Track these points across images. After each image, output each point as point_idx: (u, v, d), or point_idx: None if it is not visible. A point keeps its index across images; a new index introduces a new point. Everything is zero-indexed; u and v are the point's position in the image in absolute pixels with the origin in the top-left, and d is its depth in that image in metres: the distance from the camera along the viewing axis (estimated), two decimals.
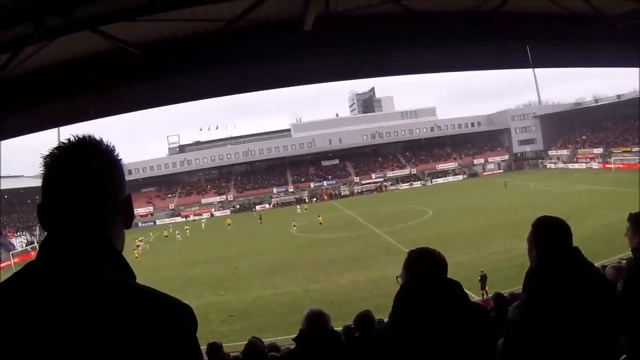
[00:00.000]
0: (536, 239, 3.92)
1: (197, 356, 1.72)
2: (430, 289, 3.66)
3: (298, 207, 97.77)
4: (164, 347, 1.58)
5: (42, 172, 1.81)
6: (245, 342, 8.50)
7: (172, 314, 1.67)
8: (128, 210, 1.92)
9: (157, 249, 65.66)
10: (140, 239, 65.84)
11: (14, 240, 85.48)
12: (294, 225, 68.29)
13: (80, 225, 1.75)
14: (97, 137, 1.89)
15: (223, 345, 10.19)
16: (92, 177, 1.79)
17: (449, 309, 3.59)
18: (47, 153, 1.83)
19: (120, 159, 1.91)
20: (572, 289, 3.60)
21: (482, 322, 3.73)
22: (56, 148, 1.83)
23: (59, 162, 1.80)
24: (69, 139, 1.84)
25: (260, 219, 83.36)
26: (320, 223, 69.25)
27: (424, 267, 3.80)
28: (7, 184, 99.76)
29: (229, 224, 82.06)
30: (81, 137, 1.85)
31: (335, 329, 5.71)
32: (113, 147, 1.89)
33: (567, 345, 3.54)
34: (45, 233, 1.81)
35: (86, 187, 1.77)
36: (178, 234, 76.20)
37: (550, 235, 3.86)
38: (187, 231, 79.51)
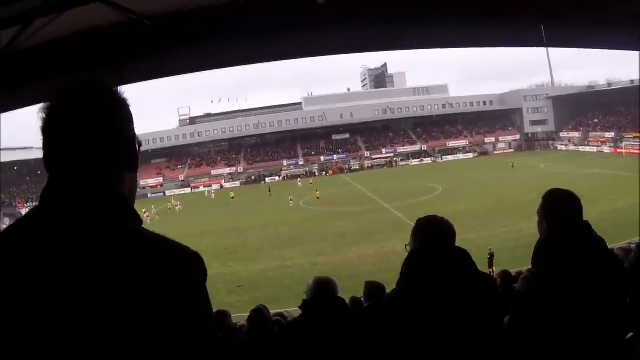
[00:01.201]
0: (546, 210, 3.90)
1: (208, 306, 1.70)
2: (438, 257, 3.66)
3: (299, 180, 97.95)
4: (177, 294, 1.56)
5: (40, 118, 1.74)
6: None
7: (184, 261, 1.65)
8: (131, 150, 1.84)
9: (166, 220, 64.99)
10: (144, 210, 65.52)
11: (23, 211, 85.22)
12: (291, 200, 67.93)
13: (77, 167, 1.70)
14: (93, 79, 1.82)
15: (231, 315, 10.24)
16: (89, 115, 1.72)
17: (457, 277, 3.60)
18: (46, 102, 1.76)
19: (123, 98, 1.83)
20: (582, 262, 3.59)
21: (490, 293, 3.74)
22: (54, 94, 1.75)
23: (55, 103, 1.74)
24: (66, 85, 1.78)
25: (269, 191, 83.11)
26: (318, 198, 69.36)
27: (433, 234, 3.81)
28: (17, 156, 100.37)
29: (233, 198, 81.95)
30: (75, 81, 1.79)
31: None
32: (109, 85, 1.81)
33: (574, 319, 3.53)
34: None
35: (83, 127, 1.70)
36: (177, 206, 76.18)
37: (561, 208, 3.84)
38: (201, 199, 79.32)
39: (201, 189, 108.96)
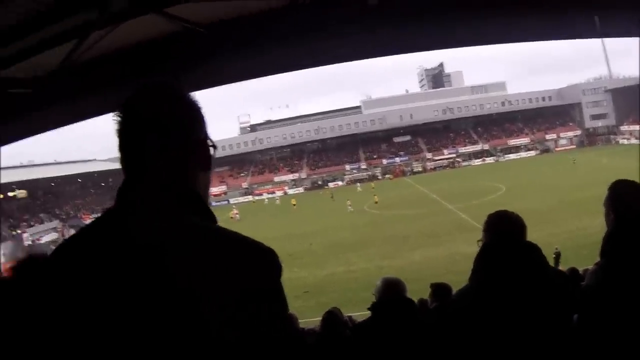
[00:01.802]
0: (613, 201, 3.82)
1: (284, 303, 1.67)
2: (509, 251, 3.67)
3: (358, 185, 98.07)
4: (253, 291, 1.55)
5: (114, 121, 1.79)
6: (319, 318, 8.56)
7: (260, 258, 1.65)
8: (205, 151, 1.89)
9: (231, 226, 65.36)
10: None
11: (88, 222, 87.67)
12: (349, 205, 67.83)
13: (154, 169, 1.73)
14: (165, 81, 1.87)
15: (298, 319, 10.27)
16: (162, 117, 1.76)
17: (529, 271, 3.59)
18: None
19: (195, 101, 1.86)
20: None
21: (561, 287, 3.70)
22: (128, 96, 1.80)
23: (129, 107, 1.78)
24: (139, 88, 1.83)
25: (332, 197, 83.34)
26: (376, 202, 69.28)
27: (504, 229, 3.86)
28: (80, 168, 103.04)
29: (294, 205, 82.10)
30: (147, 83, 1.84)
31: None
32: (180, 87, 1.86)
33: None
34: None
35: (157, 128, 1.74)
36: (236, 214, 75.50)
37: (627, 198, 3.76)
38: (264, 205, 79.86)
39: (264, 195, 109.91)
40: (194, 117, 1.86)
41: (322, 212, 70.33)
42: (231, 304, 1.50)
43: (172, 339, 1.45)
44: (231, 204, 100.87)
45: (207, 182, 1.92)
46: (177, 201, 1.70)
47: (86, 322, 1.48)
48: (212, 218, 1.76)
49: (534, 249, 3.71)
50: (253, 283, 1.56)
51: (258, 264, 1.62)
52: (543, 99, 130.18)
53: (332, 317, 7.71)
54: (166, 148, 1.74)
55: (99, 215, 1.76)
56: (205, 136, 1.89)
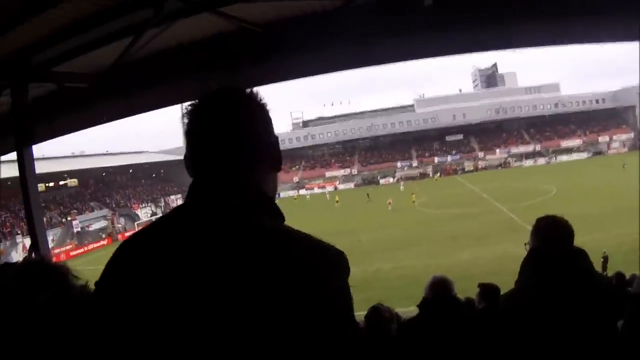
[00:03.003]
0: None
1: (351, 305, 1.68)
2: (557, 256, 3.69)
3: (401, 184, 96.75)
4: (319, 293, 1.55)
5: (185, 122, 1.85)
6: (364, 313, 8.54)
7: (329, 259, 1.65)
8: (276, 153, 1.91)
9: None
10: None
11: (138, 212, 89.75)
12: (389, 204, 67.51)
13: (225, 169, 1.76)
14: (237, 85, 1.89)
15: None
16: (239, 120, 1.80)
17: (575, 276, 3.61)
18: (189, 104, 1.85)
19: (265, 103, 1.89)
20: None
21: (606, 294, 3.72)
22: (198, 98, 1.85)
23: (201, 108, 1.83)
24: (210, 90, 1.86)
25: (368, 197, 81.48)
26: (414, 202, 68.87)
27: (552, 234, 3.85)
28: (132, 159, 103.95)
29: (337, 201, 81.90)
30: (222, 87, 1.87)
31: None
32: (256, 91, 1.89)
33: None
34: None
35: (229, 129, 1.78)
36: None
37: None
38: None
39: (315, 190, 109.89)
40: (266, 120, 1.90)
41: (370, 209, 69.90)
42: (299, 304, 1.51)
43: (240, 339, 1.48)
44: (282, 197, 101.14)
45: (275, 181, 1.95)
46: (248, 201, 1.73)
47: (157, 320, 1.54)
48: (281, 217, 1.79)
49: (582, 255, 3.73)
50: (322, 284, 1.57)
51: (327, 265, 1.63)
52: (597, 101, 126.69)
53: (376, 313, 7.74)
54: (240, 150, 1.79)
55: (169, 212, 1.80)
56: (276, 138, 1.93)
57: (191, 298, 1.52)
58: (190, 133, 1.83)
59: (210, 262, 1.56)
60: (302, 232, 1.69)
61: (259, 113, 1.89)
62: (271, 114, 1.93)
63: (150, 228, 1.79)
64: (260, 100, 1.89)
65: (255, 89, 1.90)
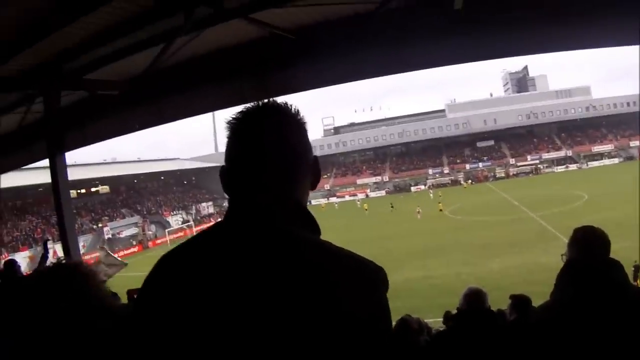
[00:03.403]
0: None
1: (390, 321, 1.68)
2: (595, 268, 3.63)
3: (431, 192, 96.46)
4: (358, 309, 1.53)
5: (227, 136, 1.83)
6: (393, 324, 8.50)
7: (369, 276, 1.64)
8: (316, 172, 1.93)
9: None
10: None
11: (169, 219, 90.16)
12: (419, 212, 67.24)
13: (272, 187, 1.76)
14: (281, 100, 1.88)
15: None
16: (283, 139, 1.80)
17: (612, 289, 3.54)
18: (232, 117, 1.84)
19: (305, 122, 1.90)
20: None
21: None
22: (241, 112, 1.83)
23: (245, 124, 1.82)
24: (254, 104, 1.85)
25: (392, 206, 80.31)
26: (441, 210, 68.68)
27: (590, 245, 3.79)
28: (163, 166, 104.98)
29: (366, 209, 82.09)
30: (266, 101, 1.86)
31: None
32: (298, 110, 1.88)
33: None
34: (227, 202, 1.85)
35: (279, 149, 1.78)
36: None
37: None
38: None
39: (346, 197, 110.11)
40: (307, 138, 1.90)
41: (396, 217, 69.96)
42: (338, 320, 1.49)
43: (282, 356, 1.47)
44: (313, 204, 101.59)
45: (308, 195, 1.95)
46: (288, 217, 1.72)
47: (196, 336, 1.52)
48: (318, 232, 1.78)
49: (618, 267, 3.66)
50: (360, 300, 1.56)
51: (366, 281, 1.62)
52: (628, 104, 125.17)
53: (404, 325, 7.69)
54: (283, 168, 1.78)
55: (208, 227, 1.79)
56: (316, 156, 1.93)
57: (231, 313, 1.51)
58: (235, 149, 1.82)
59: (251, 278, 1.55)
60: (341, 248, 1.68)
61: (303, 131, 1.88)
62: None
63: (190, 243, 1.77)
64: (303, 118, 1.89)
65: (295, 106, 1.88)
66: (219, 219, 1.84)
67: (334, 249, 1.66)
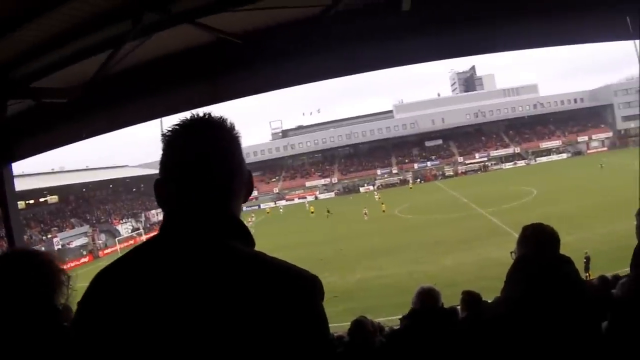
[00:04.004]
0: None
1: (327, 329, 1.69)
2: (545, 264, 3.68)
3: (376, 193, 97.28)
4: (294, 319, 1.56)
5: (163, 148, 1.82)
6: (347, 324, 8.53)
7: (303, 286, 1.65)
8: (249, 185, 1.95)
9: (262, 230, 64.90)
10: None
11: (119, 227, 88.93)
12: (365, 214, 67.44)
13: (208, 201, 1.76)
14: (217, 114, 1.89)
15: None
16: (218, 153, 1.81)
17: (562, 284, 3.60)
18: (168, 129, 1.83)
19: (240, 136, 1.91)
20: None
21: (591, 300, 3.71)
22: (177, 125, 1.83)
23: (183, 137, 1.81)
24: (190, 117, 1.84)
25: (328, 212, 78.57)
26: (384, 211, 69.40)
27: (539, 242, 3.84)
28: (113, 174, 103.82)
29: (312, 212, 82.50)
30: (201, 114, 1.86)
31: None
32: (233, 124, 1.89)
33: None
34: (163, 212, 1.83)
35: (214, 163, 1.79)
36: (252, 220, 77.61)
37: None
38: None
39: (296, 200, 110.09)
40: (241, 151, 1.92)
41: (355, 217, 69.89)
42: (271, 329, 1.52)
43: None
44: (262, 208, 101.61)
45: (240, 209, 1.94)
46: (223, 230, 1.74)
47: (134, 347, 1.55)
48: (253, 243, 1.79)
49: (568, 262, 3.72)
50: (295, 310, 1.58)
51: (300, 290, 1.63)
52: (575, 100, 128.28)
53: (360, 326, 7.71)
54: (219, 182, 1.80)
55: (143, 242, 1.79)
56: (249, 170, 1.95)
57: (167, 324, 1.53)
58: (170, 160, 1.82)
59: (186, 293, 1.57)
60: (274, 258, 1.70)
61: (238, 146, 1.91)
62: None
63: (124, 259, 1.76)
64: (238, 132, 1.91)
65: (230, 120, 1.90)
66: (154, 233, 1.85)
67: (268, 260, 1.68)
